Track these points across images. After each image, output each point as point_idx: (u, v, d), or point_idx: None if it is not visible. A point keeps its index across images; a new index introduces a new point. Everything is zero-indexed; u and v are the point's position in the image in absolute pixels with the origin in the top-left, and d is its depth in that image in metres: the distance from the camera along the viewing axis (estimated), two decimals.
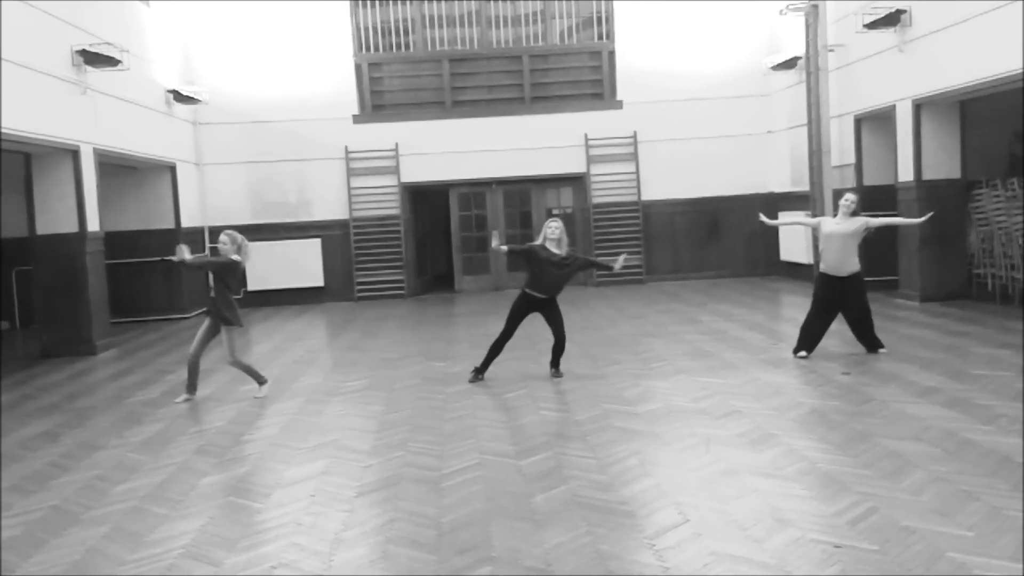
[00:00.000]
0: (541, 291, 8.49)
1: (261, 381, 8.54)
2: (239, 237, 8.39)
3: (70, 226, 11.60)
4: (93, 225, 11.92)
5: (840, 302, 8.98)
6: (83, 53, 11.60)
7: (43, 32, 10.90)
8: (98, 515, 5.25)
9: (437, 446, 6.35)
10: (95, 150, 12.10)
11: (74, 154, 11.57)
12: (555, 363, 8.71)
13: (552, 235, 8.48)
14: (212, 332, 8.37)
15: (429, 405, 7.70)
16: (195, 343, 8.38)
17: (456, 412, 7.38)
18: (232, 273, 8.36)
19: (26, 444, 7.08)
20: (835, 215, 9.25)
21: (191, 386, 8.43)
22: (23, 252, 12.65)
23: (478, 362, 8.75)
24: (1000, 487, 4.88)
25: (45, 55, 10.91)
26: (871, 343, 9.06)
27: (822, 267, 9.06)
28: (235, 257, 8.30)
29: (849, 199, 9.01)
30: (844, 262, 8.86)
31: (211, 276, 8.42)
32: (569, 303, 14.55)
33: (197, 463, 6.28)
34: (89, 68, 11.86)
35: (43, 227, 11.58)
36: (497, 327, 11.88)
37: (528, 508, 4.95)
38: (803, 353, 8.96)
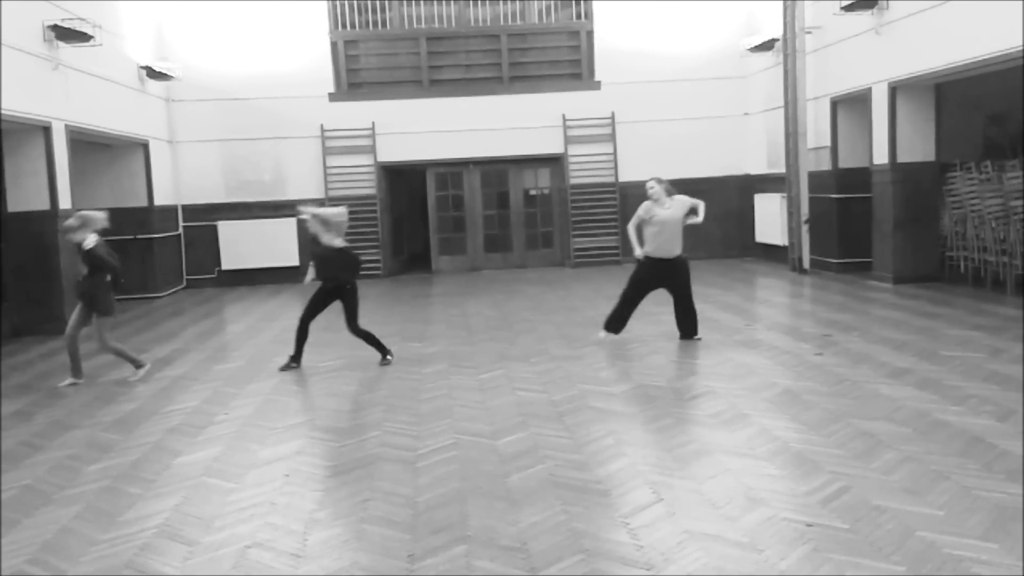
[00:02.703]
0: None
1: (138, 364, 8.46)
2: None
3: (41, 203, 11.44)
4: (65, 202, 11.76)
5: (664, 283, 9.07)
6: (55, 28, 11.42)
7: (15, 7, 10.70)
8: (71, 494, 5.22)
9: (413, 426, 6.35)
10: (67, 126, 11.93)
11: (46, 130, 11.41)
12: (378, 349, 8.68)
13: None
14: (86, 318, 8.23)
15: (405, 385, 7.68)
16: (69, 326, 8.27)
17: (432, 392, 7.37)
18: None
19: None
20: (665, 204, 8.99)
21: (75, 369, 8.31)
22: None
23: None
24: (970, 467, 4.94)
25: (16, 30, 10.71)
26: (689, 329, 9.14)
27: (649, 251, 8.97)
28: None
29: (649, 185, 9.03)
30: (675, 244, 8.93)
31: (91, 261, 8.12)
32: (546, 284, 14.62)
33: (171, 443, 6.25)
34: (61, 43, 11.68)
35: (14, 204, 11.43)
36: (475, 307, 11.90)
37: (504, 488, 4.97)
38: (610, 335, 9.12)
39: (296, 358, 8.61)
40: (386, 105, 16.76)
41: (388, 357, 8.65)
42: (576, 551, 4.08)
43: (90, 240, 8.09)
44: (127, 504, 5.00)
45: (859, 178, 13.37)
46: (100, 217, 8.26)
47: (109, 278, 8.16)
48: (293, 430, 6.43)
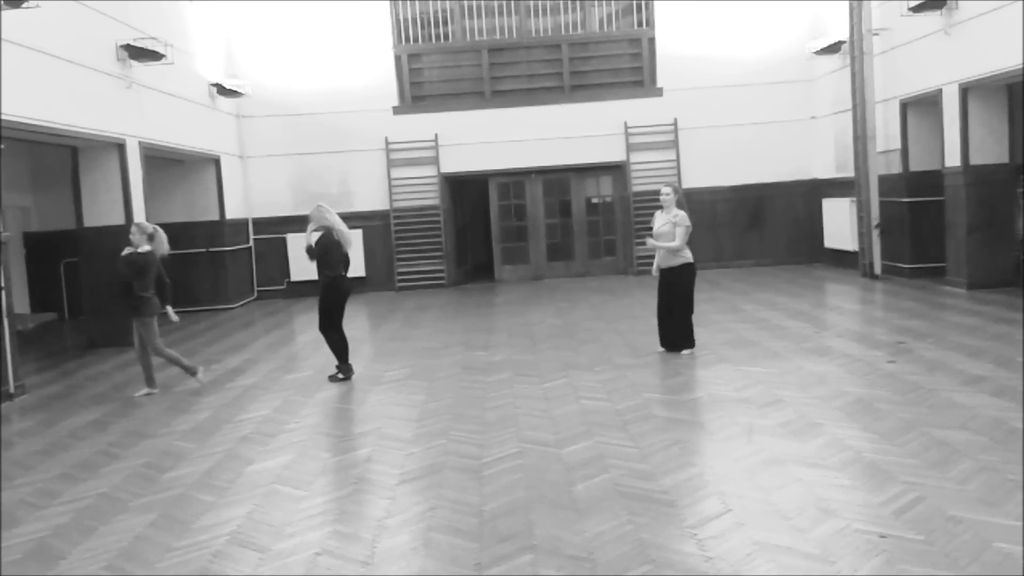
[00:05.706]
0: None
1: (192, 371, 8.67)
2: (149, 227, 8.64)
3: (117, 218, 11.76)
4: (139, 217, 12.06)
5: (667, 294, 8.98)
6: (128, 48, 11.76)
7: (89, 28, 11.05)
8: (146, 502, 5.35)
9: (478, 435, 6.38)
10: (140, 143, 12.28)
11: (120, 147, 11.74)
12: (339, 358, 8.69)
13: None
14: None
15: (470, 394, 7.72)
16: (136, 342, 8.60)
17: (497, 401, 7.40)
18: (135, 268, 8.41)
19: (76, 433, 7.23)
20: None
21: (149, 379, 8.56)
22: (71, 244, 12.87)
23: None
24: None
25: (91, 50, 11.07)
26: (674, 342, 8.99)
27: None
28: (145, 248, 8.47)
29: (662, 191, 9.22)
30: (663, 257, 8.98)
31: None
32: (609, 292, 14.56)
33: (243, 451, 6.37)
34: (134, 63, 12.02)
35: (90, 219, 11.77)
36: (538, 316, 11.89)
37: (569, 497, 4.96)
38: (662, 349, 9.05)
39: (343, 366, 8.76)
40: (449, 117, 16.90)
41: (339, 375, 8.68)
42: (643, 561, 4.05)
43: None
44: (200, 511, 5.11)
45: (931, 181, 13.07)
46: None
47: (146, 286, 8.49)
48: (361, 438, 6.51)
